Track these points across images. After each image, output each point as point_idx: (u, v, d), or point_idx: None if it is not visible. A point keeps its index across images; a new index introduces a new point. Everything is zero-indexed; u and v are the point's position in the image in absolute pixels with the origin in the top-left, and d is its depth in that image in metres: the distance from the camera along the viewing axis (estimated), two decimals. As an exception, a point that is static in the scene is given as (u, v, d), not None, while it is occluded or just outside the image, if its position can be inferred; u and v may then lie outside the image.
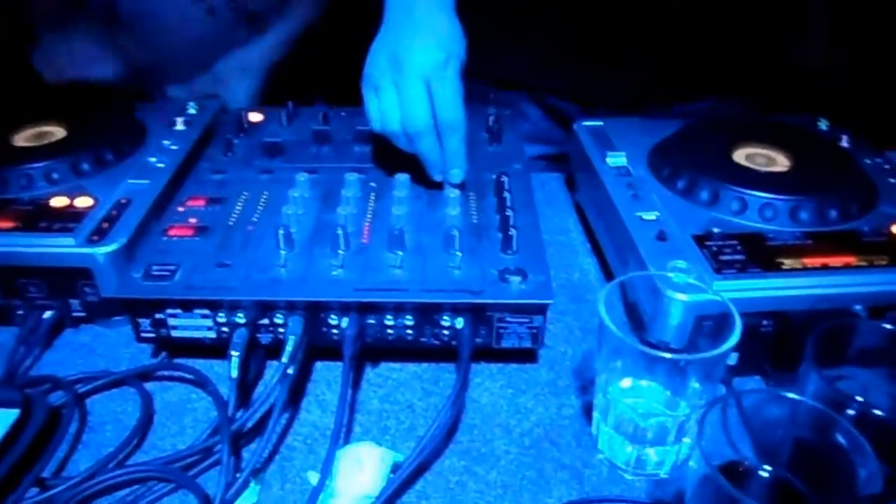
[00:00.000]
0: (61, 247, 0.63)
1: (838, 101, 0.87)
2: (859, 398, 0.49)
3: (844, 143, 0.79)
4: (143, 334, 0.61)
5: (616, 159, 0.75)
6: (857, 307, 0.58)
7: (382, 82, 0.66)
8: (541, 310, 0.59)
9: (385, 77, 0.66)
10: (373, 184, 0.73)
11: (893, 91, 0.93)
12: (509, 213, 0.65)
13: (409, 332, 0.60)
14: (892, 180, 0.72)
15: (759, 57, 0.93)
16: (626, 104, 0.92)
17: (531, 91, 1.00)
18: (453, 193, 0.68)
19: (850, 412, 0.47)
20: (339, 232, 0.62)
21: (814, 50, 0.94)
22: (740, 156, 0.73)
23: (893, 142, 0.81)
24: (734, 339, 0.49)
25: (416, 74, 0.64)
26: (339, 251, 0.62)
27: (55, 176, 0.71)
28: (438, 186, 0.71)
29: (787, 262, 0.60)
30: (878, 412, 0.47)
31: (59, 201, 0.68)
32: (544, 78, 0.98)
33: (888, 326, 0.52)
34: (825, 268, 0.60)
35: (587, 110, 0.93)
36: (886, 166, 0.74)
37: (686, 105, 0.95)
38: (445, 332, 0.60)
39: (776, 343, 0.59)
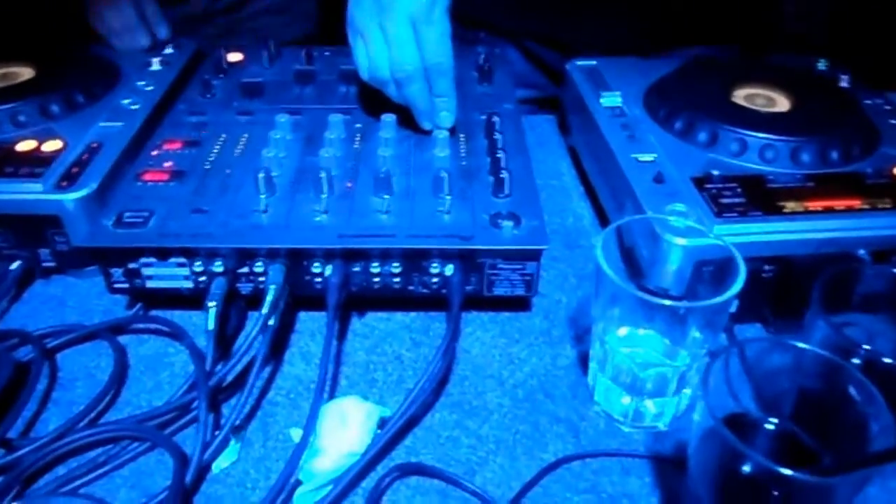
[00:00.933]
0: (28, 193, 0.60)
1: (835, 43, 0.84)
2: (866, 346, 0.47)
3: (844, 83, 0.76)
4: (116, 285, 0.59)
5: (611, 99, 0.72)
6: (861, 251, 0.56)
7: (369, 26, 0.63)
8: (534, 256, 0.56)
9: (371, 20, 0.63)
10: (358, 125, 0.69)
11: (891, 31, 0.90)
12: (500, 154, 0.62)
13: (397, 280, 0.57)
14: (893, 121, 0.70)
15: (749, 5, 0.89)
16: (609, 52, 0.89)
17: (512, 35, 0.96)
18: (442, 134, 0.65)
19: (857, 360, 0.45)
20: (323, 175, 0.58)
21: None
22: (739, 96, 0.70)
23: (892, 82, 0.79)
24: (738, 285, 0.46)
25: (402, 16, 0.61)
26: (323, 195, 0.59)
27: (21, 118, 0.67)
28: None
29: (789, 206, 0.58)
30: (887, 360, 0.45)
31: (25, 145, 0.64)
32: (525, 22, 0.94)
33: (896, 271, 0.50)
34: (828, 211, 0.58)
35: (568, 56, 0.90)
36: (887, 107, 0.72)
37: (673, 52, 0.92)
38: (434, 279, 0.57)
39: (778, 289, 0.58)
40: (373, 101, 0.70)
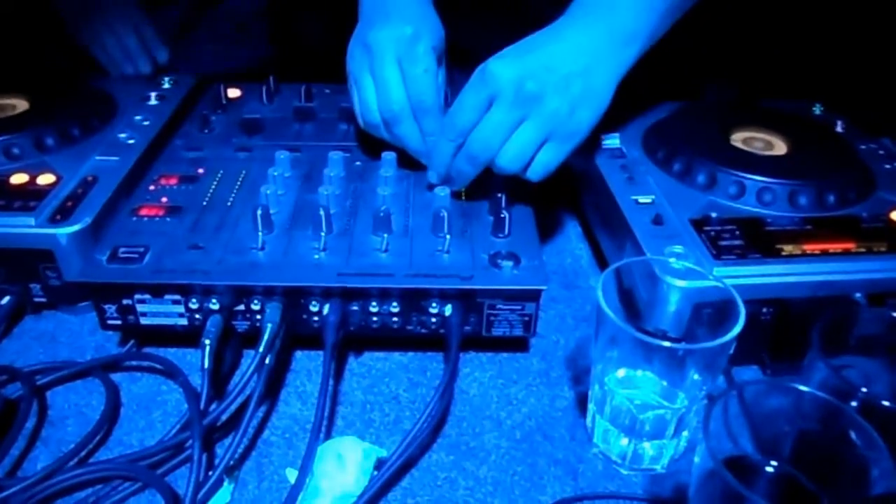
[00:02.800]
0: (21, 227, 0.59)
1: (831, 89, 0.85)
2: (864, 389, 0.47)
3: (839, 128, 0.77)
4: (110, 321, 0.58)
5: (610, 141, 0.72)
6: (857, 294, 0.56)
7: (360, 73, 0.63)
8: (534, 296, 0.56)
9: (362, 67, 0.63)
10: (358, 163, 0.69)
11: (886, 79, 0.91)
12: (500, 195, 0.62)
13: (395, 319, 0.57)
14: (887, 166, 0.70)
15: (748, 44, 0.90)
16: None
17: None
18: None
19: (854, 403, 0.45)
20: (322, 213, 0.58)
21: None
22: (737, 139, 0.71)
23: (886, 129, 0.80)
24: (739, 326, 0.46)
25: (385, 55, 0.61)
26: (321, 233, 0.58)
27: (15, 151, 0.67)
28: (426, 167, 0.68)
29: (787, 248, 0.58)
30: (885, 403, 0.45)
31: (19, 178, 0.64)
32: None
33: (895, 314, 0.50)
34: (825, 254, 0.58)
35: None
36: (881, 152, 0.73)
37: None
38: (433, 319, 0.57)
39: (775, 332, 0.58)
40: (372, 139, 0.71)
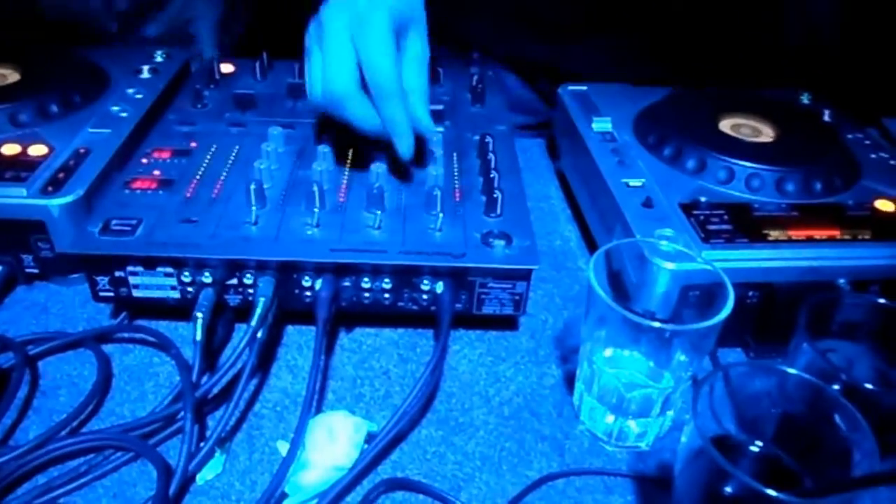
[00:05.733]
0: (12, 197, 0.59)
1: (820, 80, 0.86)
2: (846, 373, 0.48)
3: (827, 117, 0.78)
4: (102, 293, 0.58)
5: (601, 124, 0.73)
6: (841, 280, 0.57)
7: (311, 49, 0.58)
8: (525, 275, 0.57)
9: (313, 42, 0.58)
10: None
11: (873, 69, 0.92)
12: (493, 174, 0.62)
13: (387, 295, 0.57)
14: (873, 156, 0.71)
15: (739, 35, 0.91)
16: (602, 80, 0.90)
17: (509, 62, 0.97)
18: (436, 152, 0.65)
19: (837, 386, 0.46)
20: (315, 189, 0.58)
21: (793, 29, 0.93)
22: (726, 125, 0.71)
23: (873, 119, 0.81)
24: (727, 309, 0.47)
25: (335, 30, 0.56)
26: (315, 209, 0.58)
27: (6, 121, 0.66)
28: (419, 145, 0.67)
29: (774, 234, 0.59)
30: (868, 386, 0.46)
31: (10, 149, 0.63)
32: (522, 49, 0.95)
33: (881, 301, 0.51)
34: (810, 240, 0.59)
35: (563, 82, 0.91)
36: (867, 142, 0.74)
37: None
38: (424, 296, 0.57)
39: (760, 315, 0.59)
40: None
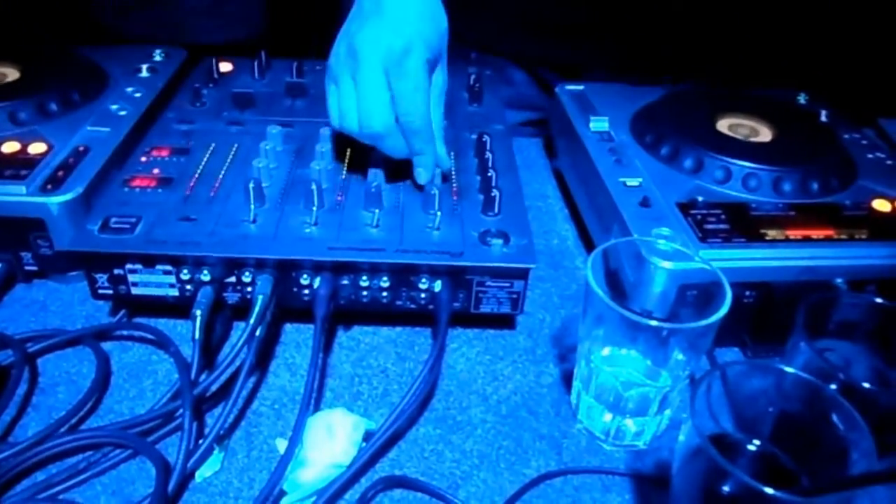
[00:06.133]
0: (12, 195, 0.59)
1: (816, 78, 0.86)
2: (844, 372, 0.48)
3: (824, 117, 0.78)
4: (101, 291, 0.58)
5: (599, 124, 0.73)
6: (838, 280, 0.58)
7: (341, 75, 0.59)
8: (523, 274, 0.57)
9: (343, 69, 0.58)
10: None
11: (870, 69, 0.93)
12: (491, 173, 0.62)
13: (385, 294, 0.57)
14: (870, 156, 0.72)
15: (737, 35, 0.92)
16: (606, 76, 0.91)
17: (515, 58, 0.97)
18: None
19: (833, 386, 0.46)
20: (313, 187, 0.59)
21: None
22: (723, 125, 0.72)
23: (870, 119, 0.81)
24: (725, 308, 0.47)
25: (371, 66, 0.56)
26: (313, 208, 0.59)
27: (6, 120, 0.66)
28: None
29: (771, 233, 0.59)
30: (866, 385, 0.46)
31: (9, 147, 0.64)
32: (529, 46, 0.96)
33: (879, 300, 0.52)
34: (807, 240, 0.59)
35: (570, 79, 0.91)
36: (864, 142, 0.74)
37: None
38: (422, 295, 0.57)
39: (757, 314, 0.59)
40: None
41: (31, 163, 0.62)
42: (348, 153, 0.67)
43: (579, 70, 0.92)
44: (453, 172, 0.66)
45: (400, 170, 0.64)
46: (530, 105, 0.97)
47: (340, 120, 0.60)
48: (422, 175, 0.63)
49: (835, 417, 0.43)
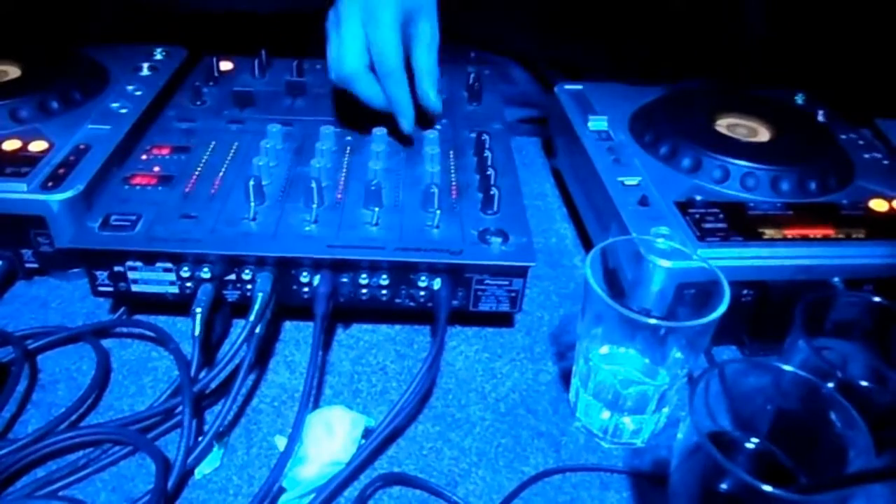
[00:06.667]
0: (12, 192, 0.59)
1: (813, 79, 0.86)
2: (842, 370, 0.48)
3: (821, 118, 0.79)
4: (101, 288, 0.58)
5: (597, 123, 0.73)
6: (835, 279, 0.58)
7: (329, 32, 0.64)
8: (522, 272, 0.57)
9: (331, 26, 0.64)
10: (349, 137, 0.70)
11: (869, 69, 0.93)
12: (490, 172, 0.63)
13: (384, 292, 0.57)
14: (867, 156, 0.72)
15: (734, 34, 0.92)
16: (609, 73, 0.91)
17: (518, 56, 0.98)
18: (433, 150, 0.66)
19: (831, 384, 0.46)
20: (313, 185, 0.59)
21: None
22: (722, 125, 0.72)
23: (867, 120, 0.81)
24: (723, 306, 0.48)
25: (349, 17, 0.62)
26: (313, 206, 0.59)
27: (7, 117, 0.66)
28: (412, 141, 0.69)
29: (769, 233, 0.60)
30: (864, 383, 0.47)
31: (11, 144, 0.64)
32: (531, 44, 0.96)
33: (876, 299, 0.52)
34: (805, 239, 0.60)
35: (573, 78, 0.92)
36: (861, 142, 0.75)
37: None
38: (422, 293, 0.57)
39: (754, 313, 0.59)
40: (364, 114, 0.71)
41: (32, 160, 0.62)
42: (348, 151, 0.67)
43: (579, 68, 0.92)
44: (453, 171, 0.66)
45: (399, 168, 0.65)
46: (531, 102, 0.97)
47: (328, 71, 0.66)
48: (402, 123, 0.67)
49: (832, 415, 0.43)
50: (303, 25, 0.96)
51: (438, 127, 0.71)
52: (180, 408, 0.51)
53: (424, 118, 0.69)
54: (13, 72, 0.73)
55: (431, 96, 0.67)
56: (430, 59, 0.66)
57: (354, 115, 0.72)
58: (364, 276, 0.57)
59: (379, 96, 0.65)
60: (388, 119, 0.67)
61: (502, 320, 0.63)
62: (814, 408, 0.44)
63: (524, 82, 0.99)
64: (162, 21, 0.95)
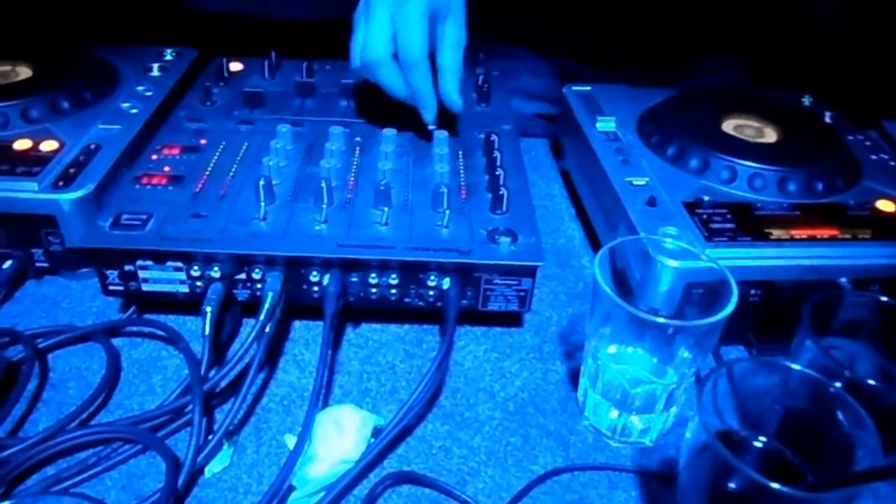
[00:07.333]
0: (23, 191, 0.59)
1: (820, 80, 0.87)
2: (850, 369, 0.48)
3: (828, 119, 0.79)
4: (111, 287, 0.58)
5: (605, 124, 0.73)
6: (842, 279, 0.58)
7: (357, 20, 0.64)
8: (530, 272, 0.57)
9: (360, 15, 0.64)
10: (358, 138, 0.70)
11: (876, 70, 0.93)
12: (499, 172, 0.63)
13: (394, 291, 0.58)
14: (873, 157, 0.72)
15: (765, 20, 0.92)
16: (632, 70, 0.92)
17: (542, 50, 0.98)
18: (441, 150, 0.66)
19: (838, 383, 0.47)
20: (323, 185, 0.59)
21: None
22: (729, 126, 0.72)
23: (873, 121, 0.81)
24: (731, 306, 0.48)
25: (378, 7, 0.62)
26: (323, 205, 0.59)
27: (18, 117, 0.67)
28: (426, 138, 0.69)
29: (776, 233, 0.60)
30: (871, 382, 0.47)
31: (22, 144, 0.64)
32: (555, 39, 0.97)
33: (883, 299, 0.52)
34: (812, 239, 0.60)
35: (598, 73, 0.92)
36: (868, 143, 0.75)
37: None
38: (431, 292, 0.58)
39: (762, 313, 0.59)
40: (373, 114, 0.72)
41: (43, 160, 0.62)
42: (357, 151, 0.68)
43: (597, 63, 0.92)
44: (462, 171, 0.66)
45: (408, 169, 0.65)
46: (549, 98, 0.97)
47: (352, 58, 0.66)
48: (425, 115, 0.67)
49: (840, 414, 0.43)
50: (311, 32, 0.97)
51: (445, 132, 0.70)
52: (190, 406, 0.51)
53: (444, 120, 0.69)
54: (24, 72, 0.73)
55: (454, 95, 0.67)
56: (454, 59, 0.66)
57: (365, 114, 0.72)
58: (373, 275, 0.57)
59: (401, 86, 0.65)
60: (398, 119, 0.68)
61: (511, 320, 0.63)
62: (821, 407, 0.44)
63: (548, 76, 0.99)
64: (173, 21, 0.96)
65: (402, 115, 0.68)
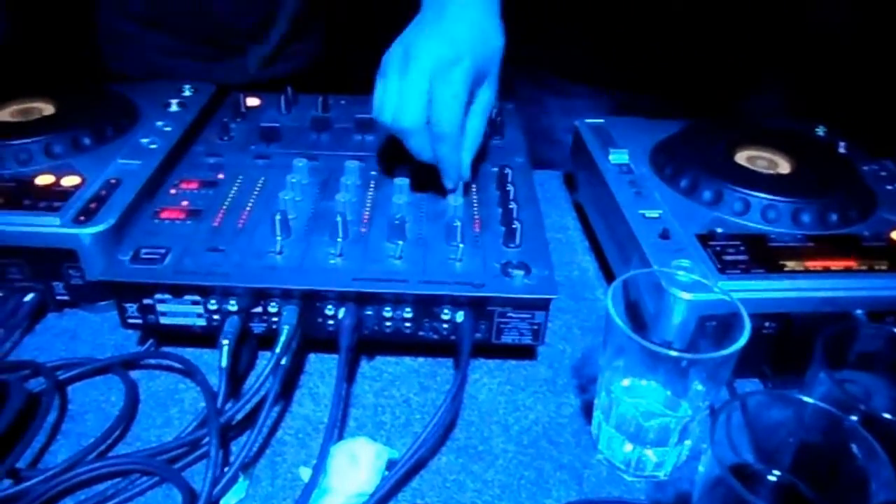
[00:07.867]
0: (45, 226, 0.61)
1: (834, 110, 0.87)
2: (862, 404, 0.48)
3: (842, 149, 0.79)
4: (130, 320, 0.59)
5: (618, 156, 0.74)
6: (858, 311, 0.58)
7: (391, 72, 0.62)
8: (544, 305, 0.57)
9: (394, 67, 0.62)
10: (373, 172, 0.71)
11: (890, 100, 0.93)
12: (512, 205, 0.63)
13: (408, 324, 0.58)
14: (889, 187, 0.72)
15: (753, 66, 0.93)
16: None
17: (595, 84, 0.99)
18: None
19: (854, 417, 0.46)
20: (338, 219, 0.60)
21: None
22: (742, 157, 0.72)
23: (888, 151, 0.81)
24: (744, 338, 0.48)
25: (419, 68, 0.60)
26: (338, 239, 0.60)
27: (41, 153, 0.68)
28: (441, 193, 0.69)
29: (790, 265, 0.60)
30: (887, 416, 0.46)
31: (44, 179, 0.65)
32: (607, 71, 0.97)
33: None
34: (827, 271, 0.59)
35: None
36: (883, 173, 0.75)
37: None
38: (445, 325, 0.58)
39: (777, 346, 0.59)
40: (388, 149, 0.72)
41: (64, 195, 0.63)
42: (372, 185, 0.69)
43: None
44: (475, 204, 0.67)
45: (422, 202, 0.66)
46: None
47: (379, 111, 0.64)
48: (447, 183, 0.67)
49: (854, 448, 0.43)
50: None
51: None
52: (206, 439, 0.52)
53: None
54: (47, 109, 0.75)
55: (465, 163, 0.66)
56: (479, 125, 0.66)
57: (379, 149, 0.73)
58: (388, 308, 0.57)
59: (427, 152, 0.64)
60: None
61: (525, 353, 0.63)
62: (836, 440, 0.44)
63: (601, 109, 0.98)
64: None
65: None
